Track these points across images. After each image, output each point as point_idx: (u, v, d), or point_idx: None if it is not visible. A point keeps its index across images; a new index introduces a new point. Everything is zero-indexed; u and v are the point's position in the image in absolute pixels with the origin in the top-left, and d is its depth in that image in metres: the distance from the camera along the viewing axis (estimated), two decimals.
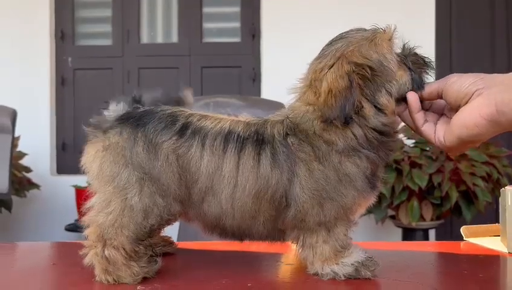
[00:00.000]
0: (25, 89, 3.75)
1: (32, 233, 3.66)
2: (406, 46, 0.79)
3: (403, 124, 0.82)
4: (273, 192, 0.75)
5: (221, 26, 3.90)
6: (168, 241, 0.94)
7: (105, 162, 0.76)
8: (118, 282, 0.74)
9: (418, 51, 0.80)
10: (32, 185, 3.47)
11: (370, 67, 0.74)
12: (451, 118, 0.76)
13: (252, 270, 0.82)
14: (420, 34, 3.68)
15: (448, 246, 1.04)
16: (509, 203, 0.96)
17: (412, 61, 0.78)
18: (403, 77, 0.77)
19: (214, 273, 0.80)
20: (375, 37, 0.76)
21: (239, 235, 0.80)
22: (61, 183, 3.64)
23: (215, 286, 0.74)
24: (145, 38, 3.92)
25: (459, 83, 0.74)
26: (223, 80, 3.87)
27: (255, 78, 3.87)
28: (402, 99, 0.78)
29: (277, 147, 0.75)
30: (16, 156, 3.32)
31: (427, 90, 0.78)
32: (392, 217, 3.19)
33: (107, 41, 3.88)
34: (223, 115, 0.81)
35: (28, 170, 3.46)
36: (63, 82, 3.87)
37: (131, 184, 0.74)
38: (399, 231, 3.28)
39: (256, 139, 0.76)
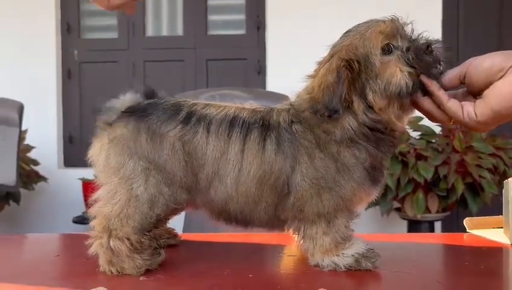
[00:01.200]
0: (32, 83, 3.77)
1: (40, 225, 3.70)
2: (412, 38, 0.75)
3: (405, 121, 0.77)
4: (276, 178, 0.75)
5: (226, 18, 3.89)
6: (172, 234, 0.95)
7: (111, 153, 0.77)
8: (121, 273, 0.75)
9: (428, 46, 0.73)
10: (39, 177, 3.50)
11: (358, 62, 0.73)
12: (474, 101, 0.73)
13: (254, 261, 0.83)
14: (427, 22, 3.65)
15: (450, 238, 1.04)
16: None
17: (413, 56, 0.73)
18: (394, 76, 0.72)
19: (216, 265, 0.81)
20: (367, 30, 0.75)
21: (242, 220, 0.81)
22: (68, 176, 3.67)
23: (217, 278, 0.75)
24: (150, 31, 3.92)
25: (489, 61, 0.72)
26: (228, 73, 3.87)
27: (260, 70, 3.87)
28: (399, 97, 0.73)
29: (282, 133, 0.76)
30: (23, 149, 3.35)
31: (448, 76, 0.74)
32: (398, 210, 3.18)
33: (113, 34, 3.89)
34: (227, 103, 0.81)
35: (35, 162, 3.49)
36: (69, 75, 3.89)
37: (136, 174, 0.75)
38: (404, 223, 3.28)
39: (262, 125, 0.77)
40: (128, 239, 0.74)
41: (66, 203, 3.64)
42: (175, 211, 0.82)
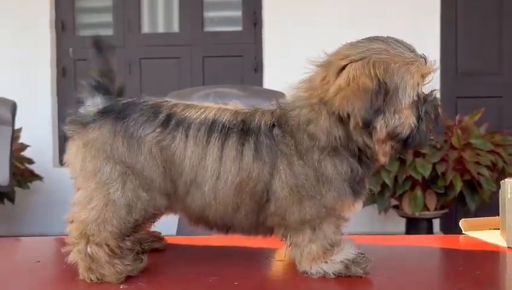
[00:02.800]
0: (26, 81, 3.74)
1: (35, 224, 3.68)
2: (432, 92, 0.74)
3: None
4: (254, 185, 0.73)
5: (222, 15, 3.86)
6: (157, 237, 0.92)
7: (87, 157, 0.74)
8: (101, 280, 0.72)
9: (438, 105, 0.74)
10: (35, 176, 3.47)
11: (386, 87, 0.69)
12: None
13: (241, 267, 0.80)
14: (425, 24, 3.63)
15: (445, 241, 1.01)
16: (509, 196, 0.93)
17: (426, 110, 0.72)
18: (407, 119, 0.70)
19: (203, 271, 0.78)
20: (413, 63, 0.71)
21: (222, 226, 0.79)
22: (64, 174, 3.63)
23: (202, 285, 0.72)
24: (146, 28, 3.88)
25: None
26: (224, 70, 3.84)
27: (257, 67, 3.84)
28: (396, 139, 0.71)
29: (261, 138, 0.73)
30: (18, 148, 3.32)
31: None
32: (396, 207, 3.16)
33: (108, 32, 3.85)
34: (210, 103, 0.78)
35: (30, 161, 3.46)
36: (64, 73, 3.85)
37: (113, 179, 0.73)
38: (402, 221, 3.26)
39: (242, 129, 0.74)
40: (107, 245, 0.72)
41: (61, 202, 3.60)
42: (155, 216, 0.79)
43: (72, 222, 0.74)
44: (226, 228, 0.78)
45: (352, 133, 0.71)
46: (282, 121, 0.74)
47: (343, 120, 0.70)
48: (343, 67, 0.71)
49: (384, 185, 2.96)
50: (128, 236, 0.74)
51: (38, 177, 3.48)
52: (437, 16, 3.52)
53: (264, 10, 3.72)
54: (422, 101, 0.72)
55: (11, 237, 3.19)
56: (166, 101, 0.77)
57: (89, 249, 0.72)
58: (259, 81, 3.83)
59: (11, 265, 0.86)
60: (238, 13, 3.84)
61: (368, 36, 0.74)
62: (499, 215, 0.99)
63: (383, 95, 0.68)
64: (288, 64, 3.88)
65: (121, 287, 0.71)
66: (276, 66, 3.72)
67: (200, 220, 0.78)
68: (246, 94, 2.80)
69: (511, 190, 0.92)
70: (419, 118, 0.71)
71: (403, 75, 0.70)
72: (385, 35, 0.73)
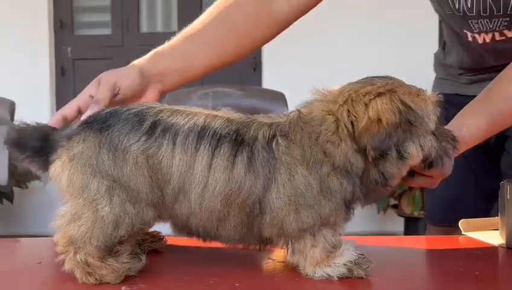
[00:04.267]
0: (25, 80, 3.74)
1: (34, 224, 3.68)
2: (440, 116, 0.77)
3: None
4: (245, 198, 0.72)
5: None
6: (157, 237, 0.92)
7: (74, 173, 0.72)
8: (101, 281, 0.72)
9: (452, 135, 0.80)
10: (33, 176, 3.47)
11: (416, 115, 0.72)
12: None
13: (242, 268, 0.81)
14: (423, 21, 3.63)
15: (445, 241, 1.01)
16: (508, 197, 0.93)
17: (439, 133, 0.77)
18: (431, 142, 0.74)
19: (204, 272, 0.78)
20: (422, 93, 0.75)
21: (204, 236, 0.78)
22: None
23: (203, 286, 0.72)
24: (144, 28, 3.88)
25: None
26: (223, 69, 3.83)
27: (256, 66, 3.84)
28: (425, 160, 0.75)
29: (256, 151, 0.72)
30: None
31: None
32: (394, 207, 3.17)
33: (107, 31, 3.86)
34: (198, 108, 0.77)
35: None
36: (62, 72, 3.85)
37: (101, 194, 0.71)
38: (401, 221, 3.27)
39: (235, 139, 0.72)
40: (92, 256, 0.72)
41: (60, 201, 3.62)
42: (141, 230, 0.79)
43: (59, 231, 0.74)
44: (209, 238, 0.78)
45: (370, 165, 0.72)
46: (291, 130, 0.73)
47: (365, 151, 0.71)
48: (369, 102, 0.72)
49: None
50: (111, 250, 0.73)
51: (36, 176, 3.48)
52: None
53: None
54: (438, 126, 0.77)
55: (10, 236, 3.20)
56: (151, 107, 0.75)
57: (78, 257, 0.72)
58: (258, 80, 3.84)
59: (12, 266, 0.86)
60: None
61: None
62: (498, 216, 0.99)
63: (405, 126, 0.71)
64: (287, 63, 3.89)
65: (122, 288, 0.71)
66: (275, 65, 3.73)
67: (184, 228, 0.78)
68: (244, 94, 2.81)
69: (511, 190, 0.92)
70: (438, 141, 0.76)
71: (421, 104, 0.74)
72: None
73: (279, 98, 2.44)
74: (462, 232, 1.04)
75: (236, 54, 1.08)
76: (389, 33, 3.63)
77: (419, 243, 0.99)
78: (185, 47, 1.03)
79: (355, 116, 0.71)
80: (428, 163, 0.76)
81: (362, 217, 3.73)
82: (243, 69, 3.88)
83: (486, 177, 1.30)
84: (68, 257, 0.73)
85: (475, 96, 1.01)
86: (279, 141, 0.72)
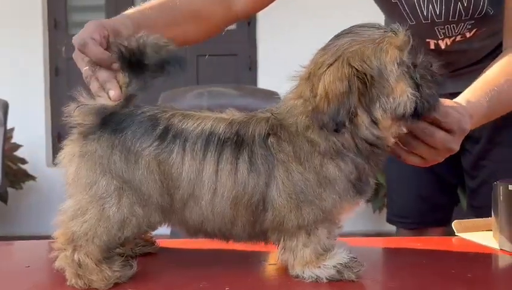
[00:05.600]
0: (19, 80, 3.72)
1: (28, 225, 3.66)
2: (419, 55, 0.72)
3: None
4: (250, 197, 0.72)
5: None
6: (149, 241, 0.91)
7: (82, 168, 0.73)
8: (89, 286, 0.71)
9: (431, 64, 0.73)
10: (28, 176, 3.46)
11: (371, 76, 0.69)
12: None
13: (233, 271, 0.80)
14: None
15: (438, 242, 1.01)
16: (501, 199, 0.93)
17: (421, 75, 0.72)
18: (403, 94, 0.70)
19: (193, 276, 0.77)
20: (383, 40, 0.70)
21: (222, 236, 0.79)
22: (57, 174, 3.61)
23: None
24: None
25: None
26: (219, 69, 3.83)
27: (251, 66, 3.83)
28: (402, 118, 0.71)
29: (255, 149, 0.72)
30: (10, 148, 3.30)
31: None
32: None
33: None
34: (208, 112, 0.78)
35: (23, 161, 3.44)
36: (56, 72, 3.83)
37: (109, 193, 0.72)
38: None
39: (236, 142, 0.73)
40: (93, 256, 0.71)
41: (55, 202, 3.57)
42: (146, 233, 0.79)
43: (60, 227, 0.73)
44: (226, 238, 0.79)
45: (360, 132, 0.70)
46: (278, 129, 0.73)
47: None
48: (322, 75, 0.71)
49: (378, 184, 2.96)
50: (113, 250, 0.74)
51: (31, 177, 3.47)
52: None
53: None
54: (413, 69, 0.71)
55: (4, 237, 3.18)
56: (164, 111, 0.76)
57: (76, 256, 0.71)
58: (254, 79, 3.83)
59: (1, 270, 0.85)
60: None
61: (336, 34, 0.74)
62: (490, 217, 0.99)
63: (357, 92, 0.68)
64: (283, 63, 3.87)
65: None
66: (270, 64, 3.72)
67: (199, 232, 0.78)
68: (240, 94, 2.80)
69: (503, 192, 0.92)
70: (418, 86, 0.71)
71: (379, 56, 0.69)
72: (349, 26, 0.74)
73: (275, 97, 2.43)
74: (456, 233, 1.04)
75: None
76: None
77: (412, 244, 0.99)
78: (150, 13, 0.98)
79: (315, 93, 0.70)
80: (411, 115, 0.71)
81: (358, 216, 3.72)
82: (238, 68, 3.87)
83: (448, 175, 1.31)
84: (62, 255, 0.72)
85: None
86: (272, 139, 0.73)
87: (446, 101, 0.82)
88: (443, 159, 0.83)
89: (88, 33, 0.81)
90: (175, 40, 1.10)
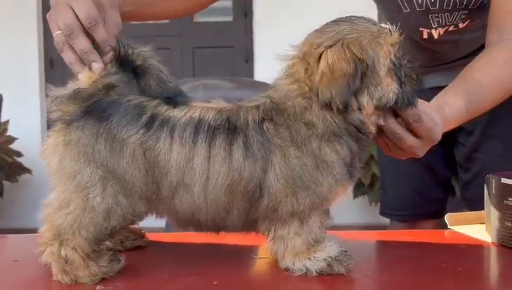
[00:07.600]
0: (14, 72, 3.70)
1: (24, 218, 3.65)
2: (405, 55, 0.76)
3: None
4: (247, 184, 0.71)
5: (212, 5, 3.82)
6: (138, 234, 0.91)
7: (66, 157, 0.71)
8: (75, 282, 0.71)
9: (414, 64, 0.77)
10: (23, 169, 3.45)
11: (367, 64, 0.71)
12: None
13: (222, 265, 0.79)
14: None
15: (430, 235, 1.01)
16: (494, 192, 0.92)
17: (405, 73, 0.75)
18: (388, 87, 0.73)
19: (182, 270, 0.77)
20: (380, 35, 0.73)
21: (214, 228, 0.78)
22: None
23: (180, 285, 0.71)
24: None
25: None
26: (215, 61, 3.81)
27: (248, 58, 3.81)
28: (382, 109, 0.74)
29: (250, 135, 0.72)
30: (5, 141, 3.29)
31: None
32: None
33: None
34: (194, 102, 0.77)
35: (18, 154, 3.43)
36: (51, 64, 3.81)
37: (93, 183, 0.71)
38: None
39: (228, 128, 0.72)
40: (81, 249, 0.70)
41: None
42: (133, 222, 0.78)
43: (45, 222, 0.72)
44: (218, 229, 0.78)
45: (348, 115, 0.72)
46: (274, 114, 0.73)
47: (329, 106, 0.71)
48: (321, 55, 0.71)
49: (374, 177, 2.97)
50: (102, 241, 0.73)
51: (27, 170, 3.46)
52: None
53: (255, 0, 3.69)
54: (399, 67, 0.75)
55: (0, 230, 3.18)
56: (150, 99, 0.74)
57: (62, 252, 0.70)
58: (250, 72, 3.81)
59: None
60: (229, 3, 3.81)
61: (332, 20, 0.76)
62: (483, 210, 0.98)
63: (360, 75, 0.71)
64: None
65: (97, 288, 0.70)
66: (267, 56, 3.69)
67: (189, 222, 0.77)
68: (235, 86, 2.78)
69: (496, 185, 0.91)
70: (401, 83, 0.74)
71: (374, 48, 0.72)
72: (347, 16, 0.75)
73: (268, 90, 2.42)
74: (448, 226, 1.04)
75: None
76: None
77: (404, 237, 0.98)
78: None
79: (311, 72, 0.71)
80: (387, 108, 0.74)
81: (354, 209, 3.73)
82: (234, 60, 3.85)
83: (441, 168, 1.32)
84: (48, 250, 0.71)
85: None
86: (268, 124, 0.72)
87: (426, 106, 0.84)
88: (406, 158, 0.87)
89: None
90: (162, 14, 1.12)
